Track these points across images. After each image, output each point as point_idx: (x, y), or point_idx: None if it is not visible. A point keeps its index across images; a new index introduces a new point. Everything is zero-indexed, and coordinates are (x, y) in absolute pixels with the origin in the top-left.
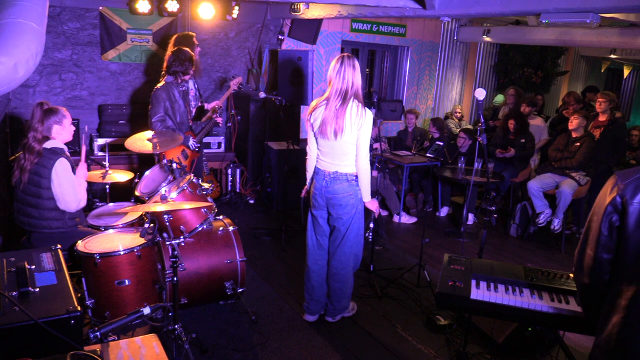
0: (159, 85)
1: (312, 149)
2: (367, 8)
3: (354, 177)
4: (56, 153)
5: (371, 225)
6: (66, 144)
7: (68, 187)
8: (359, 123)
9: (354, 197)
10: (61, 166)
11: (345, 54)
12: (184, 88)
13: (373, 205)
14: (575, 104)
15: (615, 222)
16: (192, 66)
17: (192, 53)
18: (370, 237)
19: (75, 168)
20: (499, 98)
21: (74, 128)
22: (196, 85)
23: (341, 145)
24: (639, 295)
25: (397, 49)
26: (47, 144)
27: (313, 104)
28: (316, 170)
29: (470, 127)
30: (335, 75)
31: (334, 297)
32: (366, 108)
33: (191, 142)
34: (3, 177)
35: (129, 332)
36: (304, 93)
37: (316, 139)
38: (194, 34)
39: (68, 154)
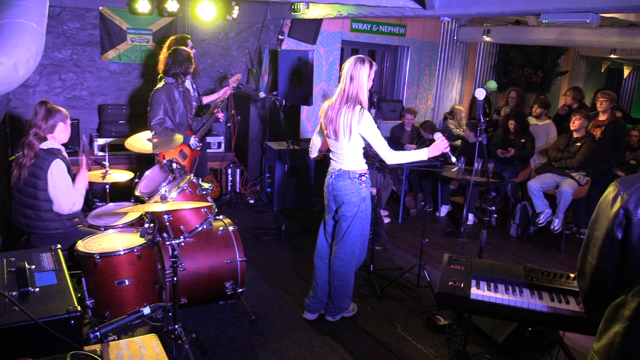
0: (158, 86)
1: (314, 143)
2: (367, 8)
3: (357, 175)
4: (52, 154)
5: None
6: (65, 144)
7: (63, 188)
8: (354, 125)
9: (357, 195)
10: (56, 167)
11: (360, 55)
12: (182, 88)
13: (436, 149)
14: (575, 102)
15: (619, 234)
16: (191, 65)
17: (189, 51)
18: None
19: (71, 169)
20: (491, 84)
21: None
22: (194, 86)
23: (341, 144)
24: None
25: (397, 49)
26: (44, 145)
27: (325, 103)
28: (328, 169)
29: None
30: (341, 76)
31: (334, 296)
32: (364, 110)
33: (192, 140)
34: (3, 177)
35: (129, 332)
36: (304, 93)
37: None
38: (189, 36)
39: (65, 154)
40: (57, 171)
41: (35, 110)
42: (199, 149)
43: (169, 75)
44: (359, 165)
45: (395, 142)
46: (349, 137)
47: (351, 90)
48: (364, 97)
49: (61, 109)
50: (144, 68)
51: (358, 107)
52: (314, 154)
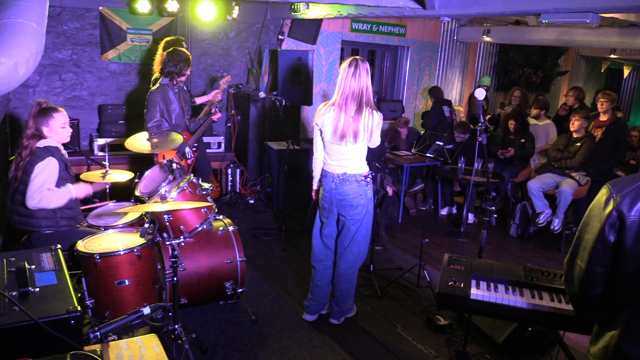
0: (154, 87)
1: (318, 151)
2: (367, 8)
3: (363, 177)
4: (48, 151)
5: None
6: (65, 144)
7: (36, 183)
8: (372, 127)
9: (364, 197)
10: (43, 165)
11: (358, 57)
12: (178, 89)
13: None
14: (577, 102)
15: (612, 237)
16: (187, 67)
17: (189, 53)
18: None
19: (70, 167)
20: (485, 80)
21: (69, 130)
22: (185, 87)
23: (354, 148)
24: (639, 310)
25: (397, 49)
26: (41, 143)
27: (321, 107)
28: (324, 173)
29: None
30: (351, 78)
31: (340, 299)
32: (378, 112)
33: (187, 150)
34: (3, 177)
35: (129, 332)
36: (304, 93)
37: (324, 142)
38: (183, 38)
39: (64, 152)
40: (42, 167)
41: (30, 111)
42: (194, 151)
43: (164, 74)
44: (363, 167)
45: (392, 150)
46: (368, 140)
47: (366, 93)
48: (372, 99)
49: (58, 109)
50: (144, 68)
51: (375, 111)
52: (317, 172)
